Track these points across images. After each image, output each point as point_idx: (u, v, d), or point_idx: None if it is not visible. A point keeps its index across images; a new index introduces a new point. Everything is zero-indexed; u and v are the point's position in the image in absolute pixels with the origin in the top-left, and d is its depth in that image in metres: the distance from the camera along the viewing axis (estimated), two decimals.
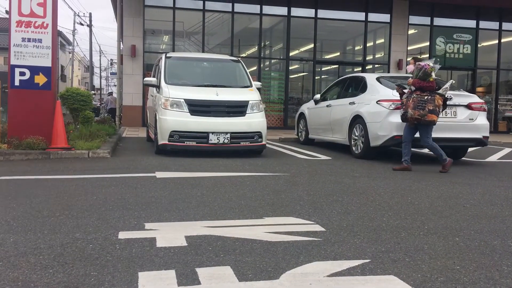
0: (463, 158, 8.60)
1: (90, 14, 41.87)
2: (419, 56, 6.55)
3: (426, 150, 9.92)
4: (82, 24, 41.95)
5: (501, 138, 14.18)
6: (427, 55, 17.36)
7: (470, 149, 9.15)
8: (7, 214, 3.66)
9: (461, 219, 3.88)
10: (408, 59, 7.09)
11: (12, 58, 7.63)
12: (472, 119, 7.70)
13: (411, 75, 6.94)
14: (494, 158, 9.14)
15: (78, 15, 44.00)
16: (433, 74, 6.66)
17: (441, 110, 6.70)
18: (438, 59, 6.98)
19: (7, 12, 18.20)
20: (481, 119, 7.82)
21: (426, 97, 6.58)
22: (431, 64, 6.66)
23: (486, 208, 4.36)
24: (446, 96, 6.76)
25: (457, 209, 4.27)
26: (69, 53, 48.33)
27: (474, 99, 7.95)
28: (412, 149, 7.08)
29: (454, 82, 6.82)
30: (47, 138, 7.60)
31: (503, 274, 2.60)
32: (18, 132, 7.54)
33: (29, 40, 7.67)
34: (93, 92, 31.41)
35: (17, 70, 7.62)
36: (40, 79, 7.73)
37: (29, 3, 7.64)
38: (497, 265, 2.74)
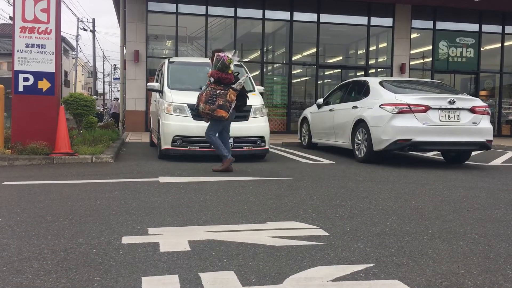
0: (466, 162, 8.58)
1: (94, 19, 42.10)
2: (229, 53, 6.27)
3: (429, 154, 9.91)
4: (85, 30, 42.17)
5: (504, 141, 14.14)
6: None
7: (473, 153, 9.14)
8: (11, 219, 3.67)
9: (465, 223, 3.86)
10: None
11: (15, 63, 7.67)
12: (476, 123, 7.68)
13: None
14: (498, 161, 9.11)
15: (82, 21, 44.14)
16: (232, 66, 6.41)
17: (233, 106, 6.38)
18: (237, 51, 6.75)
19: (10, 18, 18.29)
20: (485, 123, 7.80)
21: (218, 91, 6.33)
22: (230, 56, 6.42)
23: (490, 212, 4.34)
24: (241, 89, 6.49)
25: (461, 213, 4.25)
26: (73, 58, 48.53)
27: (478, 102, 7.93)
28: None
29: (249, 76, 6.57)
30: (51, 143, 7.62)
31: (508, 278, 2.59)
32: (21, 137, 7.57)
33: (32, 45, 7.71)
34: (95, 97, 31.49)
35: (20, 76, 7.66)
36: (44, 85, 7.77)
37: (32, 9, 7.69)
38: (502, 269, 2.73)
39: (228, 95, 6.32)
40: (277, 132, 16.07)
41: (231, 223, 3.68)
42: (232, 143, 7.73)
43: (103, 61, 58.84)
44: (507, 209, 4.50)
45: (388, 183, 5.92)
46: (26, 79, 7.67)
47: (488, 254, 3.01)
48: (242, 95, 6.63)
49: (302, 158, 8.70)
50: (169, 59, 9.25)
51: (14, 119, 7.80)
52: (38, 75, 7.74)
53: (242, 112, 7.24)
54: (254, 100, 8.29)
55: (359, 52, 18.13)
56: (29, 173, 6.29)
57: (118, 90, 22.09)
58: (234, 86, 6.40)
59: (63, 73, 39.73)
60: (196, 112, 6.51)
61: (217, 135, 6.67)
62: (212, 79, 6.48)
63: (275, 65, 18.01)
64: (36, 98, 7.68)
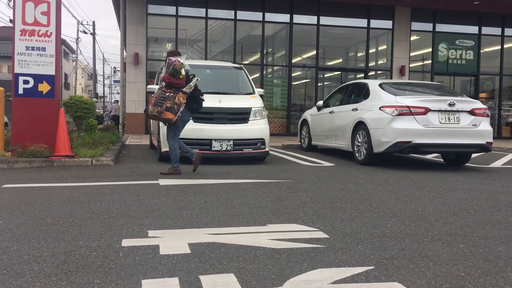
0: (467, 164, 8.58)
1: (94, 22, 42.23)
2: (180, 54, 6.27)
3: (429, 156, 9.92)
4: (85, 33, 42.24)
5: (504, 143, 14.14)
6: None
7: (473, 155, 9.13)
8: (11, 222, 3.67)
9: (465, 225, 3.86)
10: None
11: (16, 66, 7.68)
12: (476, 125, 7.68)
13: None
14: (498, 164, 9.11)
15: (82, 24, 44.23)
16: (183, 71, 6.39)
17: (181, 109, 6.31)
18: (189, 56, 6.75)
19: (11, 21, 18.31)
20: (485, 125, 7.81)
21: (167, 94, 6.30)
22: (181, 61, 6.40)
23: (490, 214, 4.34)
24: (196, 93, 6.50)
25: (461, 215, 4.25)
26: (73, 61, 48.55)
27: (477, 105, 7.93)
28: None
29: (198, 79, 6.58)
30: (51, 146, 7.62)
31: (508, 280, 2.59)
32: (21, 140, 7.57)
33: (33, 48, 7.72)
34: (95, 99, 31.47)
35: (21, 79, 7.67)
36: (44, 87, 7.77)
37: (33, 12, 7.70)
38: (502, 272, 2.72)
39: (177, 98, 6.28)
40: (277, 134, 16.08)
41: (231, 225, 3.68)
42: (232, 146, 7.75)
43: (103, 63, 58.98)
44: (507, 211, 4.50)
45: (388, 185, 5.92)
46: (26, 82, 7.68)
47: (488, 257, 3.01)
48: (197, 98, 6.62)
49: (302, 161, 8.71)
50: None
51: (14, 122, 7.81)
52: (38, 78, 7.74)
53: (198, 114, 7.15)
54: (254, 102, 8.30)
55: (359, 54, 18.16)
56: (29, 176, 6.29)
57: (118, 93, 22.13)
58: (184, 89, 6.38)
59: (63, 75, 39.76)
60: (146, 115, 6.47)
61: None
62: (163, 83, 6.46)
63: (275, 68, 18.04)
64: (36, 101, 7.68)
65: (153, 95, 6.58)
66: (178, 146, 6.57)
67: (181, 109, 6.32)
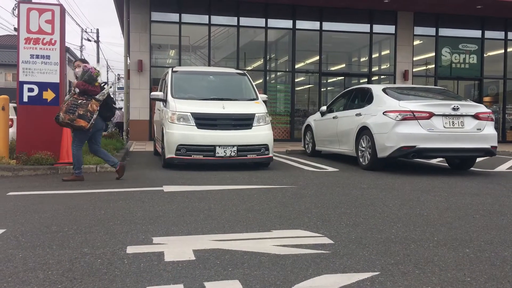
0: (471, 169, 8.55)
1: (98, 30, 42.35)
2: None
3: (434, 161, 9.89)
4: (89, 40, 42.38)
5: (509, 147, 14.09)
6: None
7: (478, 159, 9.10)
8: (16, 230, 3.68)
9: (470, 230, 3.84)
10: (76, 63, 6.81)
11: (20, 74, 7.72)
12: (480, 129, 7.66)
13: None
14: (503, 168, 9.08)
15: (86, 31, 44.34)
16: (99, 79, 6.37)
17: (94, 116, 6.26)
18: (104, 65, 6.78)
19: (15, 29, 18.44)
20: (489, 129, 7.78)
21: (80, 101, 6.24)
22: (97, 69, 6.40)
23: (496, 218, 4.32)
24: (109, 100, 6.50)
25: (466, 220, 4.23)
26: None
27: (481, 109, 7.91)
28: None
29: (111, 87, 6.59)
30: (55, 153, 7.65)
31: None
32: (26, 147, 7.60)
33: (37, 56, 7.77)
34: None
35: (25, 86, 7.72)
36: (49, 95, 7.82)
37: (37, 20, 7.75)
38: (508, 276, 2.71)
39: (90, 105, 6.25)
40: (281, 140, 16.07)
41: (236, 231, 3.68)
42: (236, 152, 7.75)
43: (107, 71, 59.11)
44: None
45: (393, 190, 5.90)
46: (31, 90, 7.72)
47: (494, 261, 2.99)
48: (110, 106, 6.61)
49: (306, 166, 8.70)
50: (172, 69, 9.29)
51: (19, 130, 7.84)
52: (42, 86, 7.79)
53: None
54: (258, 108, 8.31)
55: (362, 59, 18.15)
56: (34, 183, 6.31)
57: (122, 100, 22.20)
58: (97, 96, 6.35)
59: (67, 83, 39.95)
60: (56, 122, 6.37)
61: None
62: (77, 90, 6.36)
63: (278, 73, 18.05)
64: (40, 109, 7.72)
65: (64, 101, 6.48)
66: (81, 153, 6.58)
67: (94, 116, 6.29)
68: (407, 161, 9.57)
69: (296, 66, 17.00)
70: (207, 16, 16.04)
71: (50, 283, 2.52)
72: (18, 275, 2.65)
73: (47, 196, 5.28)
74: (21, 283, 2.52)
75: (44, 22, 7.79)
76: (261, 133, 8.02)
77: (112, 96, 6.62)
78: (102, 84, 6.54)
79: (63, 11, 8.04)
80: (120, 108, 27.62)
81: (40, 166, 7.35)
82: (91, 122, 6.24)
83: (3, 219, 4.08)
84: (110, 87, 6.41)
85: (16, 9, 9.74)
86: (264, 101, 8.75)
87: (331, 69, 18.27)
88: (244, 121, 8.01)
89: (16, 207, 4.62)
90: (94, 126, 6.38)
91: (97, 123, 6.46)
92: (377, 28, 17.25)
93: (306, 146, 11.20)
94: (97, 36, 41.61)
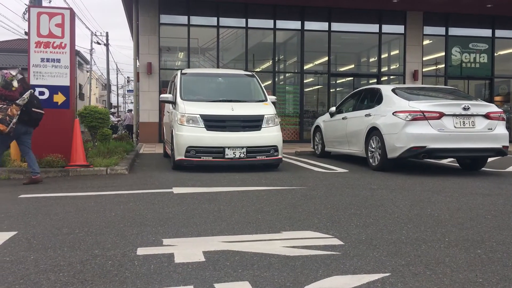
0: (483, 169, 8.47)
1: (107, 33, 42.71)
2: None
3: (445, 161, 9.81)
4: (99, 43, 42.72)
5: None
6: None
7: (489, 159, 9.01)
8: (28, 232, 3.71)
9: (482, 230, 3.81)
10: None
11: (31, 78, 7.80)
12: (491, 129, 7.59)
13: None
14: None
15: (95, 35, 44.79)
16: (15, 83, 6.36)
17: (14, 120, 6.26)
18: (21, 69, 6.82)
19: (26, 33, 18.62)
20: (500, 129, 7.71)
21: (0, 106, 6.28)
22: (13, 73, 6.42)
23: (508, 218, 4.28)
24: (29, 106, 6.47)
25: (478, 220, 4.20)
26: (87, 72, 49.13)
27: (492, 108, 7.84)
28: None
29: (33, 91, 6.62)
30: (66, 155, 7.71)
31: None
32: (37, 150, 7.63)
33: (47, 60, 7.84)
34: (112, 110, 31.71)
35: (36, 90, 7.77)
36: (59, 98, 7.88)
37: (47, 24, 7.82)
38: None
39: (9, 109, 6.29)
40: (290, 141, 16.05)
41: (246, 233, 3.68)
42: (245, 153, 7.75)
43: (117, 73, 59.51)
44: None
45: (403, 191, 5.87)
46: (41, 93, 7.79)
47: (506, 262, 2.96)
48: (29, 110, 6.56)
49: (316, 167, 8.68)
50: (181, 71, 9.32)
51: None
52: (53, 89, 7.86)
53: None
54: (267, 109, 8.31)
55: (371, 59, 18.09)
56: (45, 186, 6.37)
57: (132, 102, 22.31)
58: (18, 101, 6.39)
59: (77, 86, 40.24)
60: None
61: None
62: None
63: (287, 75, 18.05)
64: (51, 112, 7.76)
65: None
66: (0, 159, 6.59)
67: (14, 120, 6.32)
68: (417, 162, 9.51)
69: (305, 67, 16.98)
70: (216, 18, 16.09)
71: (61, 284, 2.54)
72: (30, 277, 2.67)
73: (58, 198, 5.32)
74: (33, 285, 2.54)
75: (54, 26, 7.86)
76: (270, 135, 8.02)
77: (35, 102, 6.68)
78: (27, 93, 6.54)
79: (73, 14, 8.10)
80: (130, 111, 27.79)
81: (51, 169, 7.41)
82: (10, 126, 6.30)
83: (15, 221, 4.12)
84: (32, 92, 6.55)
85: (27, 13, 9.84)
86: (273, 103, 8.75)
87: (340, 69, 18.22)
88: (253, 123, 8.01)
89: (28, 210, 4.66)
90: (17, 130, 6.44)
91: (19, 128, 6.50)
92: (386, 28, 17.18)
93: (316, 147, 11.17)
94: (107, 39, 41.93)
